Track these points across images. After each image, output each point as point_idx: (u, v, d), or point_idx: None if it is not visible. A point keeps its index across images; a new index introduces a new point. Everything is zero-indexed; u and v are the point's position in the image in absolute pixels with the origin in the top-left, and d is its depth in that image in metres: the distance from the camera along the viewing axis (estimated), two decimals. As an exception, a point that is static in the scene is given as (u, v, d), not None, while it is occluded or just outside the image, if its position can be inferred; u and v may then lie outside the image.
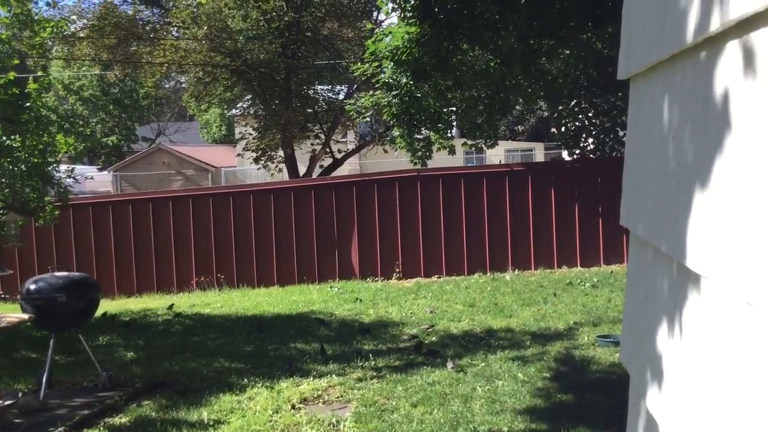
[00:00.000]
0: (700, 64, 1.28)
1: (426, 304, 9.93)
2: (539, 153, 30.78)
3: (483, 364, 6.76)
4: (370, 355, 7.28)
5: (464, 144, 14.33)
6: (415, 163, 12.50)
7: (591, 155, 13.31)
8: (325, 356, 7.34)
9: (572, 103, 13.74)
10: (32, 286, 6.45)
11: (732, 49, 1.13)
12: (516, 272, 11.83)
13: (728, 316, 1.17)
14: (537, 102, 16.90)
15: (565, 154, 17.54)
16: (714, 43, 1.20)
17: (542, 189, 12.04)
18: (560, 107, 14.05)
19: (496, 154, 27.50)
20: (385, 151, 18.48)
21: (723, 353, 1.20)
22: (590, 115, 13.60)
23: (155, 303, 11.51)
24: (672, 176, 1.43)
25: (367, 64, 12.62)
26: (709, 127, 1.21)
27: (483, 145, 13.73)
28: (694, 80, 1.31)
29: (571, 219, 11.91)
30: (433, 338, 8.06)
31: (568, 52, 12.25)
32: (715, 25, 1.14)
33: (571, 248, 11.92)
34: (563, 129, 14.38)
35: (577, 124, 13.67)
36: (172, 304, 11.00)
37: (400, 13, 11.48)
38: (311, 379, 6.58)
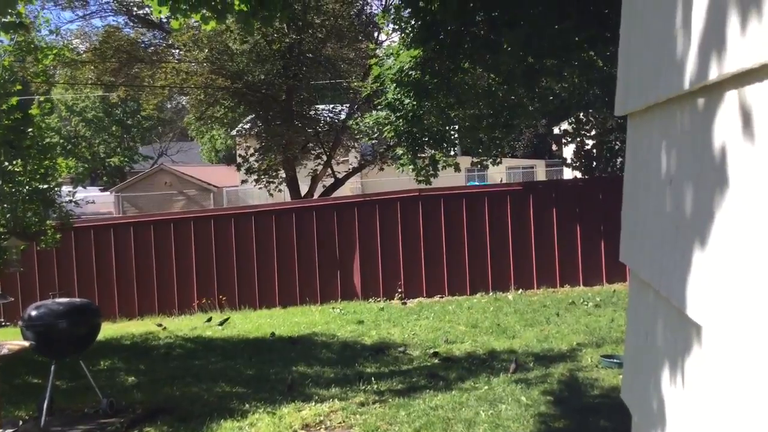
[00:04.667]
0: (697, 111, 1.27)
1: (428, 325, 9.89)
2: (540, 170, 30.81)
3: (486, 387, 6.71)
4: (373, 378, 7.24)
5: (473, 163, 14.36)
6: (420, 182, 12.52)
7: (595, 173, 13.31)
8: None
9: (576, 121, 13.77)
10: (33, 312, 6.43)
11: (730, 100, 1.13)
12: (518, 292, 11.79)
13: (730, 366, 1.15)
14: (540, 119, 16.94)
15: (567, 172, 17.56)
16: (712, 91, 1.19)
17: (544, 208, 12.03)
18: (563, 126, 14.08)
19: (498, 172, 27.52)
20: (381, 169, 18.51)
21: (725, 403, 1.19)
22: (594, 133, 13.61)
23: (155, 327, 11.46)
24: (670, 220, 1.42)
25: (370, 83, 12.72)
26: (707, 177, 1.20)
27: (488, 163, 13.76)
28: (692, 127, 1.31)
29: (573, 238, 11.89)
30: (436, 360, 8.01)
31: (570, 70, 12.28)
32: (713, 75, 1.14)
33: (574, 267, 11.89)
34: (566, 147, 14.40)
35: (581, 142, 13.67)
36: (163, 326, 11.03)
37: (401, 35, 11.55)
38: (313, 403, 6.53)
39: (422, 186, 12.55)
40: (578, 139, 13.57)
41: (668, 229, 1.43)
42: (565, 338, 8.50)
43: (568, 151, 16.04)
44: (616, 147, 13.17)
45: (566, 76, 11.86)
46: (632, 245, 1.82)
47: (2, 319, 6.02)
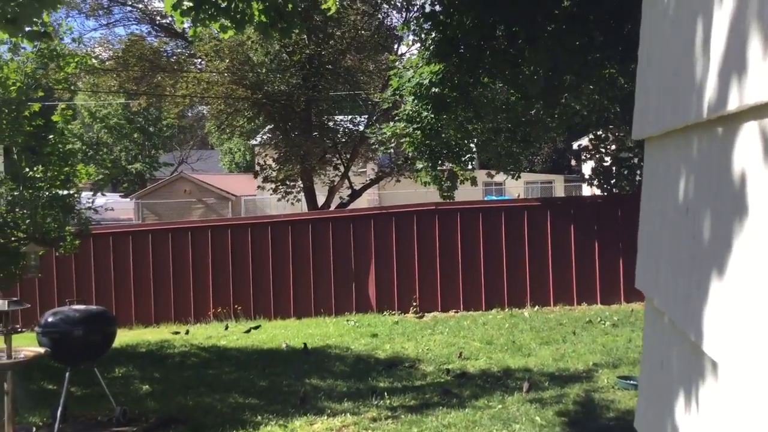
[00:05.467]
0: (716, 140, 1.24)
1: (442, 340, 9.83)
2: (559, 186, 30.64)
3: (500, 406, 6.64)
4: (385, 393, 7.20)
5: (489, 174, 14.31)
6: (444, 197, 12.48)
7: (613, 190, 13.20)
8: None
9: (595, 137, 13.67)
10: (50, 319, 6.48)
11: (750, 130, 1.10)
12: (534, 308, 11.69)
13: (747, 406, 1.11)
14: (559, 135, 16.86)
15: (586, 189, 17.45)
16: (731, 121, 1.16)
17: (561, 224, 11.94)
18: (582, 142, 14.00)
19: (516, 187, 27.43)
20: (398, 181, 18.50)
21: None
22: (613, 150, 13.51)
23: (171, 334, 11.51)
24: (687, 249, 1.38)
25: (389, 94, 12.76)
26: (725, 206, 1.17)
27: (507, 176, 13.71)
28: (710, 155, 1.28)
29: (590, 255, 11.78)
30: (449, 377, 7.95)
31: (591, 87, 12.21)
32: (732, 105, 1.11)
33: (591, 285, 11.77)
34: (585, 163, 14.30)
35: (601, 158, 13.56)
36: (184, 332, 11.17)
37: (421, 48, 11.57)
38: (325, 417, 6.50)
39: (439, 199, 12.52)
40: (597, 155, 13.47)
41: (684, 259, 1.40)
42: (581, 358, 8.40)
43: (588, 168, 15.94)
44: (635, 164, 13.07)
45: (586, 93, 11.80)
46: (648, 272, 1.78)
47: (18, 325, 6.06)
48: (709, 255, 1.25)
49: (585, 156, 14.73)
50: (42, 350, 6.05)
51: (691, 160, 1.40)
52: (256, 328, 11.26)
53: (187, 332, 11.37)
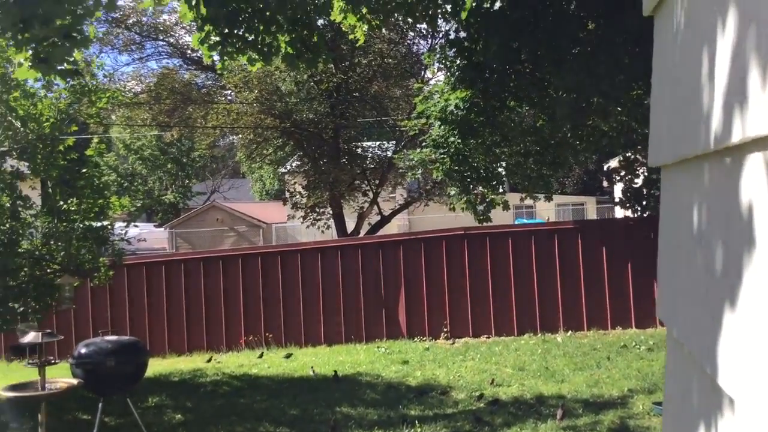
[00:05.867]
0: (724, 170, 1.23)
1: (474, 366, 9.73)
2: (591, 207, 30.32)
3: (532, 433, 6.53)
4: (416, 422, 7.13)
5: (521, 198, 14.22)
6: (479, 220, 12.43)
7: (645, 212, 13.02)
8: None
9: (624, 159, 13.54)
10: (83, 350, 6.57)
11: (755, 161, 1.08)
12: (568, 333, 11.52)
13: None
14: (587, 157, 16.73)
15: (618, 210, 17.24)
16: (736, 152, 1.15)
17: (593, 247, 11.80)
18: (612, 164, 13.88)
19: (547, 209, 27.20)
20: (426, 205, 18.50)
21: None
22: (643, 171, 13.35)
23: (204, 363, 11.58)
24: (701, 280, 1.36)
25: (415, 120, 12.81)
26: (734, 237, 1.16)
27: (537, 198, 13.61)
28: (719, 185, 1.26)
29: (624, 278, 11.60)
30: (481, 405, 7.85)
31: (619, 109, 12.13)
32: (736, 137, 1.10)
33: (625, 308, 11.58)
34: (616, 185, 14.15)
35: (630, 180, 13.41)
36: (215, 359, 11.26)
37: (447, 74, 11.62)
38: (355, 446, 6.46)
39: (469, 223, 12.46)
40: (627, 177, 13.32)
41: (699, 290, 1.38)
42: (616, 384, 8.24)
43: (618, 189, 15.76)
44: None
45: (614, 114, 11.71)
46: (667, 302, 1.76)
47: (51, 357, 6.15)
48: (721, 286, 1.23)
49: (615, 178, 14.57)
50: (75, 381, 6.13)
51: (702, 190, 1.38)
52: (288, 356, 11.28)
53: (219, 362, 11.44)
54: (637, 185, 13.25)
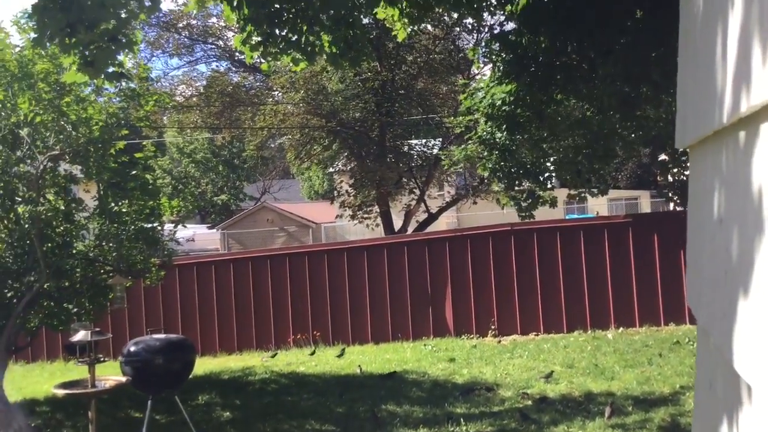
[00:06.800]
0: (739, 146, 1.16)
1: (522, 364, 9.59)
2: (645, 202, 29.62)
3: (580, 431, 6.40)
4: (462, 420, 7.07)
5: (569, 195, 13.97)
6: (522, 216, 12.28)
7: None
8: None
9: (672, 151, 13.16)
10: (132, 348, 6.72)
11: (766, 133, 1.02)
12: (619, 330, 11.27)
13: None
14: (638, 149, 16.33)
15: (672, 204, 16.78)
16: (749, 124, 1.08)
17: (644, 241, 11.50)
18: (663, 156, 13.52)
19: (599, 204, 26.67)
20: (475, 203, 18.35)
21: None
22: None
23: (254, 361, 11.73)
24: (721, 263, 1.29)
25: (461, 117, 12.71)
26: (748, 217, 1.09)
27: (589, 195, 13.33)
28: (735, 162, 1.20)
29: (677, 272, 11.27)
30: (528, 402, 7.74)
31: (667, 98, 11.80)
32: (743, 107, 1.04)
33: (679, 303, 11.24)
34: (669, 179, 13.77)
35: (679, 172, 13.04)
36: (267, 358, 11.43)
37: (493, 69, 11.49)
38: (400, 443, 6.43)
39: (514, 220, 12.31)
40: (675, 168, 12.96)
41: (719, 274, 1.31)
42: (667, 380, 8.02)
43: (674, 183, 15.32)
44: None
45: (665, 104, 11.39)
46: (693, 288, 1.68)
47: (101, 355, 6.31)
48: (738, 269, 1.16)
49: (660, 171, 14.18)
50: (124, 379, 6.27)
51: (721, 169, 1.31)
52: (341, 354, 11.27)
53: (274, 355, 11.69)
54: (685, 177, 12.87)
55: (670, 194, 12.79)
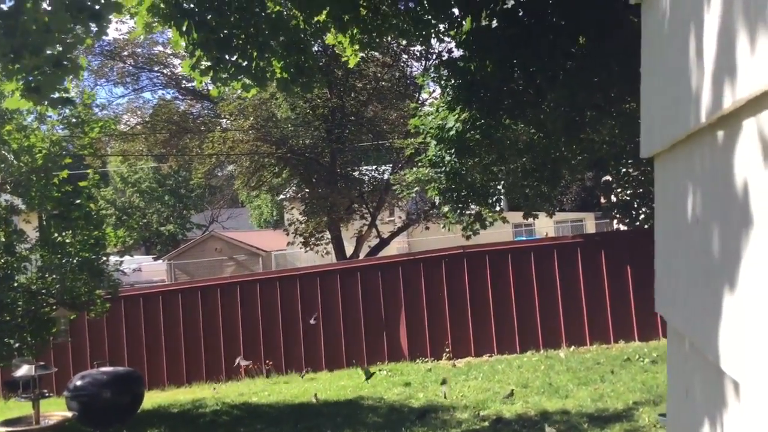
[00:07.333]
0: (717, 145, 1.17)
1: (477, 385, 9.59)
2: (590, 223, 30.28)
3: (538, 451, 6.41)
4: (420, 444, 7.00)
5: (524, 216, 14.18)
6: (467, 237, 12.39)
7: (644, 225, 12.96)
8: None
9: (615, 173, 13.53)
10: (78, 383, 6.47)
11: (749, 129, 1.03)
12: (570, 348, 11.39)
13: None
14: (584, 172, 16.74)
15: (616, 224, 17.17)
16: (730, 122, 1.09)
17: (592, 261, 11.71)
18: (607, 177, 13.86)
19: (545, 226, 27.15)
20: (427, 228, 18.46)
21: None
22: (636, 184, 13.33)
23: (204, 392, 11.43)
24: (699, 264, 1.30)
25: (412, 140, 12.80)
26: (731, 216, 1.10)
27: (537, 217, 13.58)
28: (713, 162, 1.21)
29: (625, 291, 11.49)
30: (485, 424, 7.72)
31: (612, 122, 12.14)
32: (727, 103, 1.05)
33: (628, 322, 11.46)
34: (613, 199, 14.10)
35: (625, 193, 13.39)
36: (216, 389, 11.06)
37: (442, 93, 11.62)
38: (358, 471, 6.32)
39: (466, 243, 12.40)
40: (618, 190, 13.32)
41: (698, 275, 1.31)
42: (620, 397, 8.12)
43: (617, 204, 15.71)
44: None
45: (607, 127, 11.71)
46: (665, 293, 1.69)
47: (45, 391, 6.04)
48: (720, 268, 1.17)
49: (614, 192, 14.55)
50: (70, 414, 6.02)
51: (697, 171, 1.32)
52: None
53: (217, 390, 11.28)
54: (628, 198, 13.24)
55: (614, 214, 13.10)
